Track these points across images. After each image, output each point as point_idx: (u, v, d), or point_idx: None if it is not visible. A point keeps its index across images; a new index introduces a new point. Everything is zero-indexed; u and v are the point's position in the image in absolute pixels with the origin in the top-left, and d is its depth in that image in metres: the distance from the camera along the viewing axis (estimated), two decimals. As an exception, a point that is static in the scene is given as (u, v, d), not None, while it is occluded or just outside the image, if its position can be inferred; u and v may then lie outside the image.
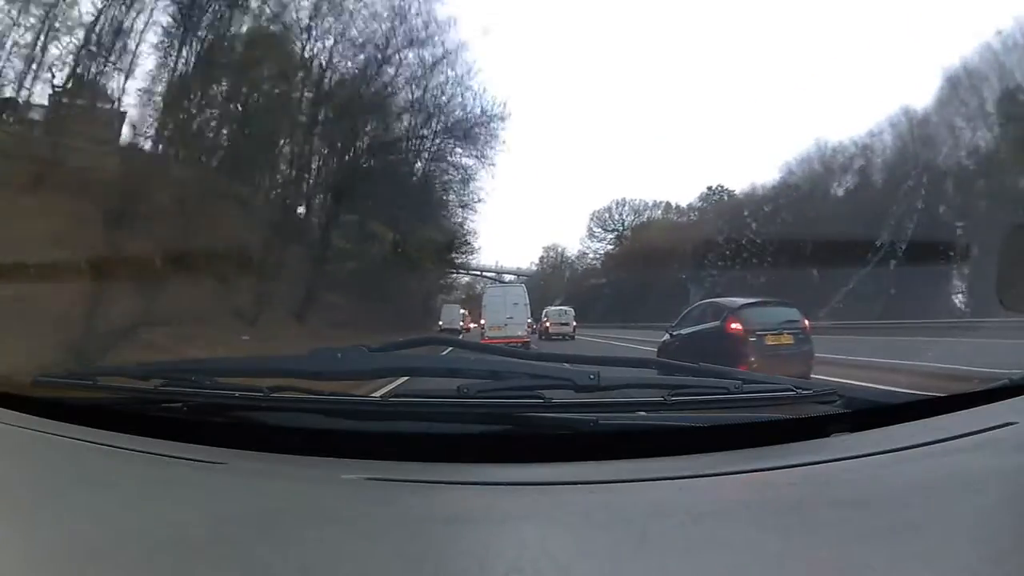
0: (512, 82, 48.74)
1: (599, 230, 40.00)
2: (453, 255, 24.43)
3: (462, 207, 22.73)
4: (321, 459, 1.04)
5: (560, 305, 26.27)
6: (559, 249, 43.13)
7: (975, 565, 0.65)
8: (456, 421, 1.12)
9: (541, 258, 43.21)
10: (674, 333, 8.41)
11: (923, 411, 1.13)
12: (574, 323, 23.45)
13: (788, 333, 6.99)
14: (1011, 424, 1.02)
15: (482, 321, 18.38)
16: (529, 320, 18.39)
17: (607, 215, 39.78)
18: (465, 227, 23.99)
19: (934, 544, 0.70)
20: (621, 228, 39.04)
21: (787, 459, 0.96)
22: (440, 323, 23.81)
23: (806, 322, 7.37)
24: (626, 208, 39.25)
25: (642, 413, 1.13)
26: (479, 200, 21.90)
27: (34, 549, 0.74)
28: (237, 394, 1.17)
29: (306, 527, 0.78)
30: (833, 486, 0.88)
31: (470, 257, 27.86)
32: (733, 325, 7.11)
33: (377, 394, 1.18)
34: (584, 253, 41.54)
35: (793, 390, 1.13)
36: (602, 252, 39.67)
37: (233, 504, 0.89)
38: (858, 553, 0.68)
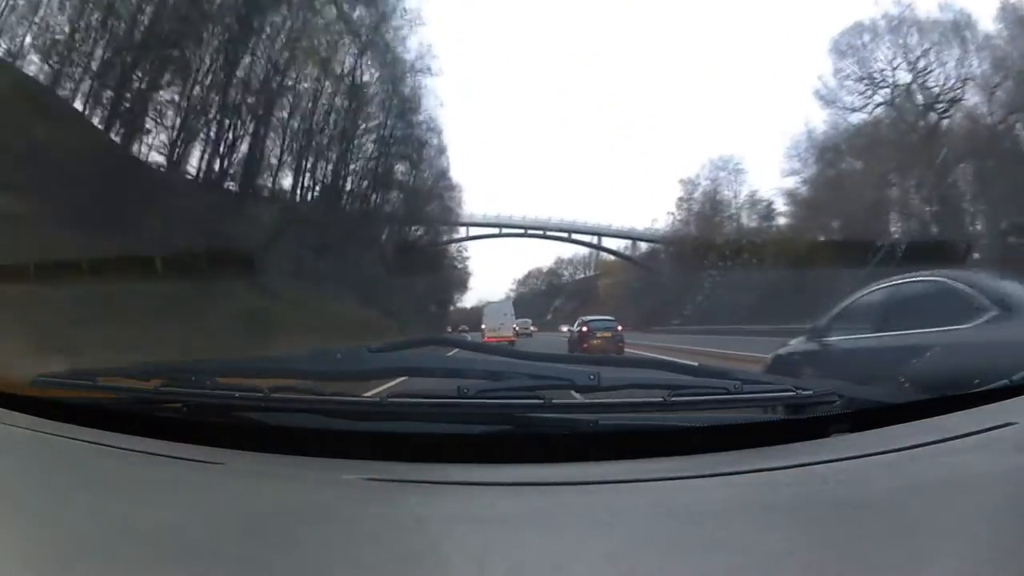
0: None
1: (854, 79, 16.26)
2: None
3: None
4: (321, 459, 1.04)
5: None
6: (731, 164, 20.14)
7: (976, 565, 0.65)
8: (456, 421, 1.12)
9: (680, 200, 23.32)
10: (571, 330, 15.00)
11: (923, 411, 1.13)
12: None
13: (609, 332, 13.36)
14: (1011, 424, 1.01)
15: (483, 326, 22.37)
16: (514, 326, 22.81)
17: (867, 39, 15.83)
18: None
19: (934, 544, 0.70)
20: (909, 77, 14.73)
21: (787, 459, 0.96)
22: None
23: (619, 327, 13.89)
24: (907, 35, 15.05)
25: (642, 414, 1.13)
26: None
27: (34, 549, 0.74)
28: (237, 394, 1.17)
29: (306, 527, 0.78)
30: (833, 486, 0.88)
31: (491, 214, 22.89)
32: (583, 328, 13.68)
33: (376, 394, 1.18)
34: (827, 135, 17.12)
35: (793, 390, 1.13)
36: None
37: (232, 504, 0.89)
38: (858, 553, 0.68)
